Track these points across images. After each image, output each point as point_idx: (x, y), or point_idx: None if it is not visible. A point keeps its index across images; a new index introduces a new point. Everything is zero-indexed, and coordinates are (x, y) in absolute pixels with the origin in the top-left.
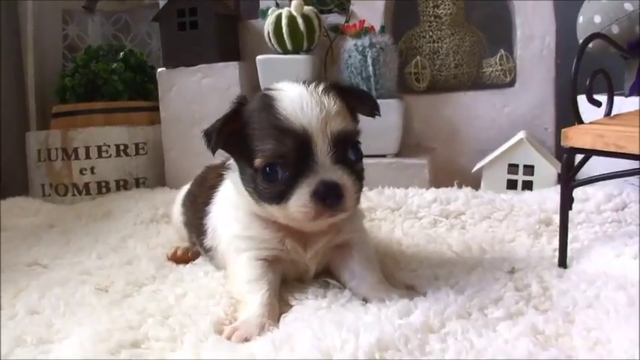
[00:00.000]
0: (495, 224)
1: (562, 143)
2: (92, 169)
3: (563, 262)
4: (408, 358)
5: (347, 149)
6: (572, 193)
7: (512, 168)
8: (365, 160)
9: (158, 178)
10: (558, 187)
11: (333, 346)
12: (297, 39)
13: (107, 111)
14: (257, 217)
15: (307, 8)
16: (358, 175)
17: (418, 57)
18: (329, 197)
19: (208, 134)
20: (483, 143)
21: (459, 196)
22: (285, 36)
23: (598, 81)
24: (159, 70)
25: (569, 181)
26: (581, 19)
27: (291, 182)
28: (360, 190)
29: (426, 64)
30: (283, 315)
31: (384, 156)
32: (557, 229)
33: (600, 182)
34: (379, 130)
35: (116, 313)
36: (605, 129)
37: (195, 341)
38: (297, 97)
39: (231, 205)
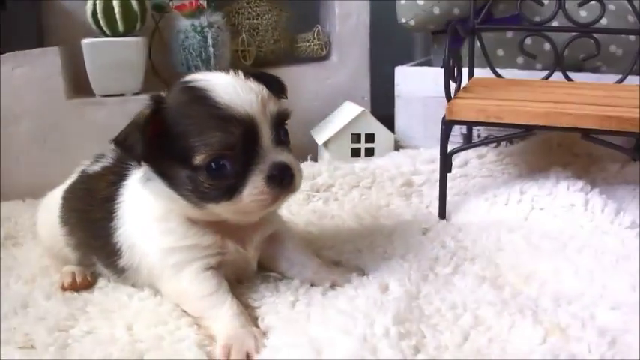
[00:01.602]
0: (366, 192)
1: (447, 117)
2: None
3: (443, 215)
4: (423, 325)
5: (281, 131)
6: (451, 159)
7: (355, 137)
8: None
9: None
10: (403, 152)
11: (362, 331)
12: (131, 20)
13: None
14: (192, 224)
15: None
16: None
17: (244, 34)
18: (285, 178)
19: (125, 143)
20: (310, 114)
21: (321, 169)
22: (117, 16)
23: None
24: None
25: (447, 148)
26: (403, 0)
27: (241, 173)
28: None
29: (252, 41)
30: (259, 319)
31: None
32: (420, 189)
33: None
34: None
35: None
36: (485, 103)
37: None
38: (229, 85)
39: (156, 218)
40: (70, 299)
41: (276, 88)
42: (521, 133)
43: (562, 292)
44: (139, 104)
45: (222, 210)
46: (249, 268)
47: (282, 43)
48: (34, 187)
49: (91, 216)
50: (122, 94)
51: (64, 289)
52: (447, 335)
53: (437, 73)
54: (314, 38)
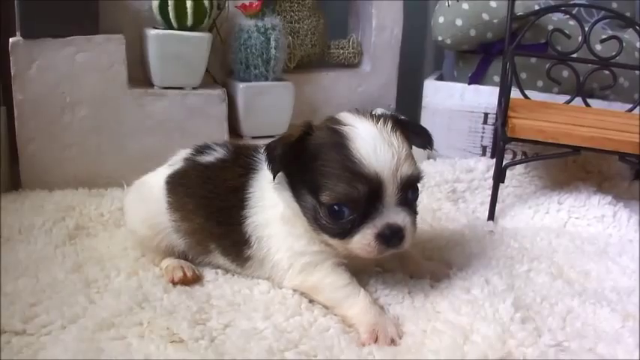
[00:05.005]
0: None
1: (508, 134)
2: None
3: (492, 217)
4: (530, 312)
5: (409, 191)
6: (505, 171)
7: None
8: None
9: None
10: (441, 160)
11: (495, 317)
12: (200, 15)
13: None
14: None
15: None
16: (415, 213)
17: (290, 37)
18: (392, 239)
19: (271, 153)
20: None
21: None
22: (189, 10)
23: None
24: (12, 39)
25: (502, 161)
26: (441, 19)
27: (357, 222)
28: (416, 227)
29: (296, 44)
30: (385, 308)
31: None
32: (463, 195)
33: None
34: (274, 111)
35: None
36: (541, 125)
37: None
38: (370, 139)
39: (284, 220)
40: (190, 293)
41: (423, 140)
42: (569, 152)
43: (618, 287)
44: (198, 99)
45: (334, 244)
46: (366, 269)
47: (317, 48)
48: (89, 176)
49: (216, 203)
50: (181, 88)
51: (174, 283)
52: (550, 320)
53: (464, 89)
54: (349, 46)
